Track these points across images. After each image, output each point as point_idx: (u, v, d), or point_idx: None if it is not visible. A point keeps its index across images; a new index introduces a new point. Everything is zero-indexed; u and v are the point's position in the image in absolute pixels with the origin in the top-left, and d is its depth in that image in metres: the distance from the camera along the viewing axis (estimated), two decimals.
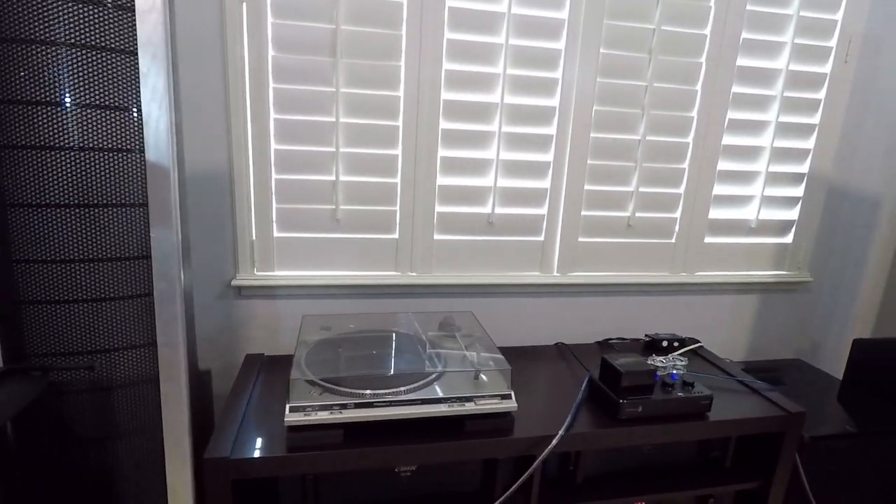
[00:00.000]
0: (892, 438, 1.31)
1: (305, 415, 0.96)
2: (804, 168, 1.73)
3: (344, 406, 0.98)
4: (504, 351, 1.50)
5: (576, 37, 1.47)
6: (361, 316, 1.42)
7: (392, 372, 1.08)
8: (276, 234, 1.45)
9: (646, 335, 1.55)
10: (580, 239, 1.62)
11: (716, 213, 1.70)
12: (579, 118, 1.52)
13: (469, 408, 1.03)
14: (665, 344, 1.50)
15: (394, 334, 1.29)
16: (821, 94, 1.68)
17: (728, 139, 1.65)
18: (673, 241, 1.70)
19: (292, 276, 1.47)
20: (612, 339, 1.57)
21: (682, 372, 1.21)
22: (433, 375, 1.08)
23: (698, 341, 1.59)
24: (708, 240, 1.72)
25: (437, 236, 1.53)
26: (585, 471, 1.19)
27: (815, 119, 1.69)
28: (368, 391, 1.01)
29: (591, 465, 1.19)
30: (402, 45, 1.38)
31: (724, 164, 1.66)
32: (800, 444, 1.23)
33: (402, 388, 1.02)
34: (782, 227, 1.77)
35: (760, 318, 1.84)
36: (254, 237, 1.43)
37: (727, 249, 1.74)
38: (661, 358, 1.22)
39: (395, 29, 1.37)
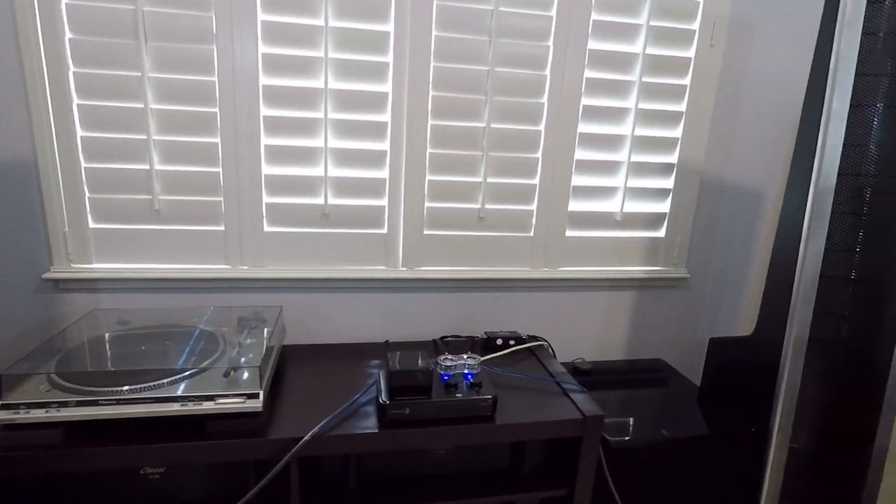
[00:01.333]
0: (710, 443, 1.23)
1: (15, 413, 0.90)
2: (672, 158, 1.64)
3: (64, 404, 0.92)
4: (330, 348, 1.43)
5: (404, 18, 1.40)
6: (165, 311, 1.36)
7: (134, 368, 1.01)
8: (91, 225, 1.39)
9: (485, 332, 1.47)
10: (426, 232, 1.55)
11: (576, 206, 1.62)
12: (415, 104, 1.45)
13: (208, 407, 0.97)
14: (500, 342, 1.42)
15: (175, 330, 1.23)
16: (686, 80, 1.59)
17: (585, 127, 1.57)
18: (531, 234, 1.62)
19: (112, 269, 1.41)
20: (447, 337, 1.49)
21: (477, 371, 1.14)
22: (183, 373, 1.02)
23: (542, 340, 1.51)
24: (570, 233, 1.64)
25: (267, 228, 1.47)
26: (366, 475, 1.12)
27: (681, 106, 1.61)
28: (94, 388, 0.94)
29: (374, 469, 1.12)
30: (213, 27, 1.32)
31: (581, 154, 1.59)
32: (604, 448, 1.15)
33: (128, 387, 0.95)
34: (653, 221, 1.68)
35: (637, 316, 1.76)
36: (66, 228, 1.38)
37: (593, 244, 1.66)
38: (451, 357, 1.14)
39: (205, 11, 1.31)
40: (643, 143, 1.61)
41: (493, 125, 1.50)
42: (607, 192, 1.63)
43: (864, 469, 1.24)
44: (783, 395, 1.18)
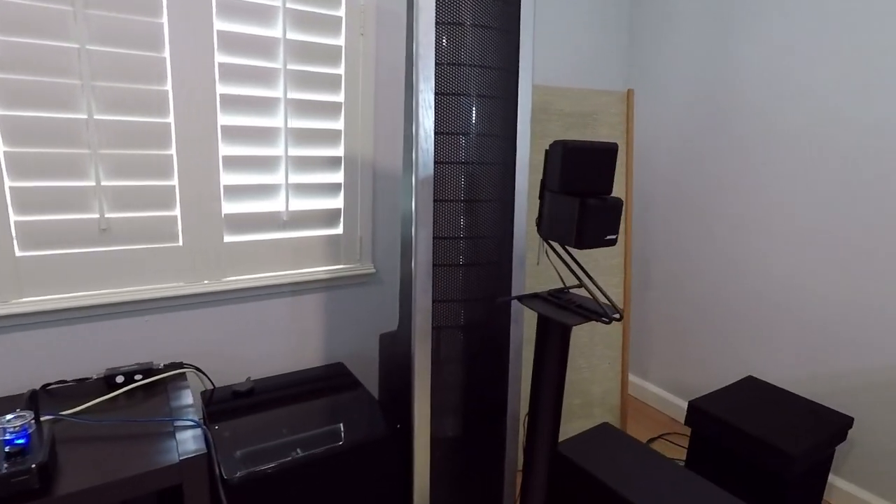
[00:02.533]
0: (362, 451, 1.17)
1: None
2: (338, 151, 1.57)
3: None
4: None
5: None
6: None
7: None
8: None
9: (107, 369, 1.21)
10: (20, 254, 1.20)
11: (233, 208, 1.44)
12: None
13: None
14: (121, 379, 1.17)
15: None
16: (339, 70, 1.52)
17: (227, 119, 1.39)
18: (180, 244, 1.39)
19: None
20: (50, 385, 1.19)
21: (30, 431, 0.87)
22: None
23: (188, 367, 1.31)
24: (230, 239, 1.45)
25: None
26: None
27: (339, 97, 1.53)
28: None
29: None
30: None
31: (229, 149, 1.40)
32: (224, 486, 1.00)
33: None
34: (328, 218, 1.59)
35: (328, 319, 1.66)
36: None
37: (261, 248, 1.50)
38: (9, 417, 0.87)
39: None
40: (301, 136, 1.49)
41: (98, 117, 1.23)
42: (268, 190, 1.48)
43: (503, 438, 1.31)
44: (416, 384, 1.17)
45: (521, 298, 1.00)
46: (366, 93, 1.57)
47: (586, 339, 1.77)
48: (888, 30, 1.43)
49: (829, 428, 1.40)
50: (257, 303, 1.54)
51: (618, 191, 1.77)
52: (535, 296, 1.01)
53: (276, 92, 1.44)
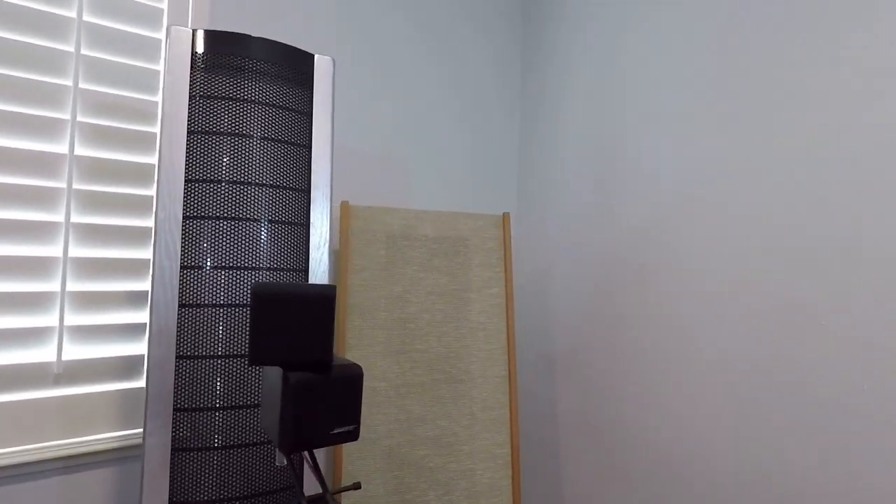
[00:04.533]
0: None
1: None
2: (143, 284, 1.28)
3: None
4: None
5: None
6: None
7: None
8: None
9: None
10: None
11: None
12: None
13: None
14: None
15: None
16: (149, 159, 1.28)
17: None
18: None
19: None
20: None
21: None
22: None
23: None
24: None
25: None
26: None
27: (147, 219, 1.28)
28: None
29: None
30: None
31: None
32: None
33: None
34: (124, 367, 1.25)
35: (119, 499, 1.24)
36: None
37: (19, 411, 1.14)
38: None
39: None
40: (84, 265, 1.21)
41: None
42: (34, 334, 1.16)
43: None
44: None
45: None
46: None
47: None
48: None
49: None
50: (8, 486, 1.13)
51: (497, 326, 1.51)
52: None
53: (58, 215, 1.18)
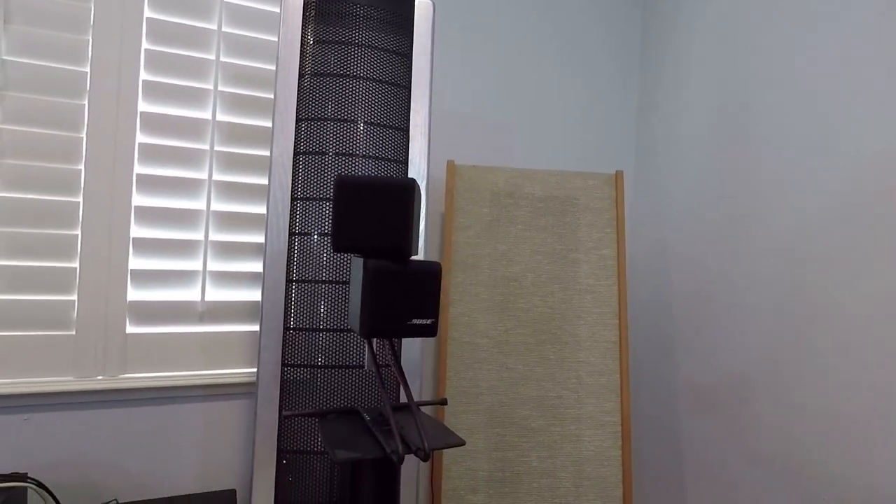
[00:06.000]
0: None
1: None
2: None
3: None
4: None
5: None
6: None
7: None
8: None
9: None
10: None
11: (140, 295, 1.31)
12: None
13: None
14: None
15: None
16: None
17: (144, 199, 1.31)
18: (73, 332, 1.25)
19: None
20: None
21: None
22: None
23: (31, 482, 1.09)
24: (133, 330, 1.30)
25: None
26: None
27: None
28: None
29: None
30: None
31: (142, 231, 1.30)
32: None
33: None
34: (252, 311, 1.41)
35: (243, 433, 1.40)
36: None
37: (171, 342, 1.33)
38: None
39: None
40: (226, 220, 1.37)
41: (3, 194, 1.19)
42: (183, 276, 1.34)
43: None
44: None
45: (296, 415, 0.70)
46: None
47: (570, 483, 1.33)
48: None
49: None
50: (159, 407, 1.33)
51: (607, 289, 1.43)
52: (331, 413, 0.70)
53: (202, 173, 1.35)
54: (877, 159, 1.14)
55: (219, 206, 1.37)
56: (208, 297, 1.36)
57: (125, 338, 1.30)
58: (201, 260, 1.35)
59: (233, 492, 1.26)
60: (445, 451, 1.31)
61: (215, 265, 1.36)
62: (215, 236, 1.36)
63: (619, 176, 1.49)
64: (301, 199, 0.89)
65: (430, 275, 0.56)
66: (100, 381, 1.27)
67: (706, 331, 1.52)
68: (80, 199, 1.26)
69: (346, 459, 0.53)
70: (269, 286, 0.86)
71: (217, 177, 1.37)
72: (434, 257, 1.60)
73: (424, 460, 0.59)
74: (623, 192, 1.49)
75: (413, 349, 0.92)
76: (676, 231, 1.66)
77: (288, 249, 0.87)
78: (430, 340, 1.51)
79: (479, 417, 1.34)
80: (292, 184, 0.89)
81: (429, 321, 0.56)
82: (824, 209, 1.23)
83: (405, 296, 0.55)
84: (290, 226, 0.88)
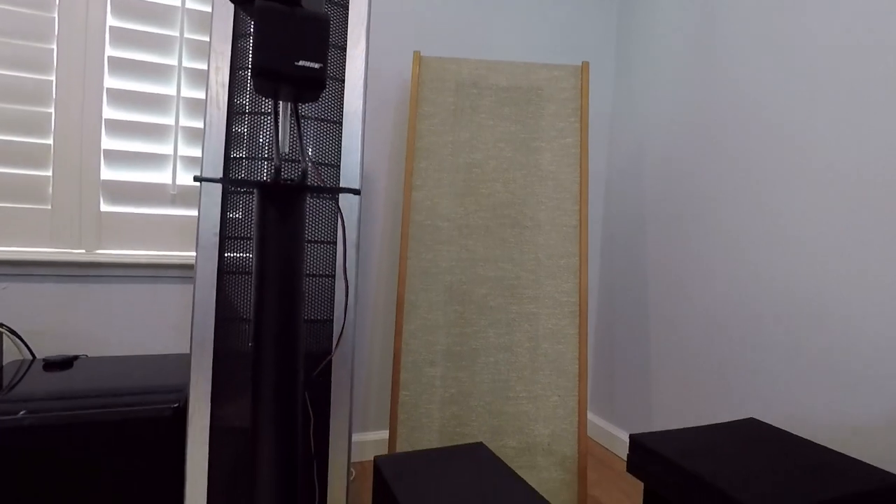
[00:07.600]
0: None
1: None
2: None
3: None
4: None
5: None
6: None
7: None
8: None
9: None
10: None
11: (113, 175, 1.36)
12: None
13: None
14: None
15: None
16: None
17: (114, 82, 1.35)
18: (49, 207, 1.32)
19: None
20: None
21: None
22: None
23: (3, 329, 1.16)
24: (108, 209, 1.36)
25: None
26: None
27: None
28: None
29: None
30: None
31: (114, 113, 1.35)
32: None
33: None
34: None
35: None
36: None
37: (144, 222, 1.39)
38: None
39: None
40: (196, 106, 1.41)
41: None
42: (154, 160, 1.39)
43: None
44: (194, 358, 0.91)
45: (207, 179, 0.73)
46: None
47: (526, 358, 1.37)
48: None
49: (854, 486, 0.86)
50: (137, 285, 1.39)
51: (569, 176, 1.45)
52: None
53: (171, 59, 1.39)
54: (831, 55, 1.13)
55: (190, 93, 1.41)
56: (179, 182, 1.41)
57: (100, 215, 1.36)
58: (172, 144, 1.40)
59: (188, 355, 1.32)
60: (405, 326, 1.35)
61: (187, 150, 1.41)
62: (186, 122, 1.41)
63: (584, 67, 1.49)
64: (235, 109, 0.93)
65: (319, 19, 0.59)
66: (78, 255, 1.33)
67: (679, 224, 1.53)
68: (53, 78, 1.31)
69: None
70: (207, 163, 0.90)
71: (187, 64, 1.40)
72: (399, 145, 1.63)
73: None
74: (588, 83, 1.49)
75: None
76: (654, 130, 1.66)
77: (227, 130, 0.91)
78: (392, 222, 1.54)
79: (438, 295, 1.38)
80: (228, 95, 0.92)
81: (317, 66, 0.59)
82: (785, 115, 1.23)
83: (293, 38, 0.58)
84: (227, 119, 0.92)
